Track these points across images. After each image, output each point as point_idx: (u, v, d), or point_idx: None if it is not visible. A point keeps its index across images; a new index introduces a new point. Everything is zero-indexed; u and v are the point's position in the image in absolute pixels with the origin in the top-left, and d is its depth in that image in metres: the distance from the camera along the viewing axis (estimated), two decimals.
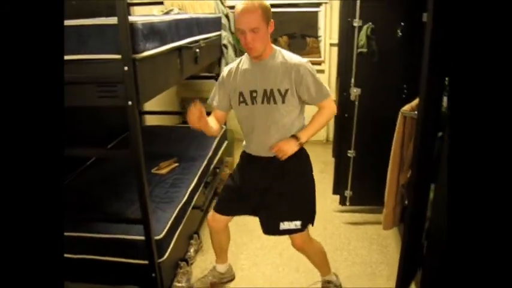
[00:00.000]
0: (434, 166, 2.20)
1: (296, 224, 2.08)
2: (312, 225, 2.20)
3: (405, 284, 2.35)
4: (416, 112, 2.13)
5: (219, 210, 2.29)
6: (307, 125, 2.07)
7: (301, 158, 2.09)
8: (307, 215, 2.15)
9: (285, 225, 2.08)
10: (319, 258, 2.36)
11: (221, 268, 2.54)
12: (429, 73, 1.76)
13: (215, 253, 2.52)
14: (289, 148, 1.99)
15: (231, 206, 2.27)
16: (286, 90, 1.94)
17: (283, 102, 1.96)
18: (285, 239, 2.29)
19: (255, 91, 1.98)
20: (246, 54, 2.04)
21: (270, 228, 2.15)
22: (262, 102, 1.97)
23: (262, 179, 2.12)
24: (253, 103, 2.00)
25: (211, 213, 2.33)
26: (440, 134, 2.14)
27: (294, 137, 2.01)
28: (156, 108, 4.07)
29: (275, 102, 1.96)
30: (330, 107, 2.06)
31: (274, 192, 2.10)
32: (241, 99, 2.02)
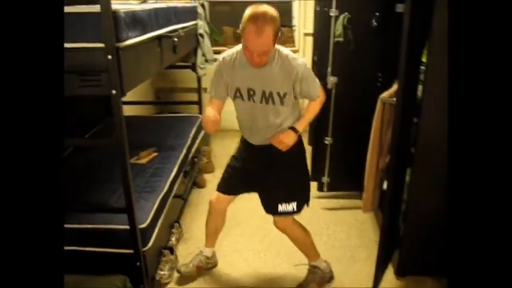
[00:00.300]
0: (410, 151, 2.29)
1: (293, 206, 2.17)
2: (307, 205, 2.27)
3: (384, 264, 2.45)
4: (394, 99, 2.20)
5: (223, 189, 2.35)
6: (303, 116, 2.15)
7: (297, 144, 2.14)
8: (303, 198, 2.23)
9: (282, 207, 2.17)
10: (302, 243, 2.40)
11: (208, 252, 2.59)
12: (407, 62, 1.83)
13: (207, 236, 2.56)
14: (290, 140, 2.06)
15: (234, 184, 2.33)
16: (285, 94, 1.98)
17: (281, 104, 2.00)
18: (266, 225, 2.33)
19: (253, 90, 1.99)
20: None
21: (269, 209, 2.24)
22: (261, 102, 2.00)
23: (261, 163, 2.19)
24: (249, 100, 2.02)
25: (215, 195, 2.38)
26: (415, 120, 2.23)
27: (293, 129, 2.08)
28: (131, 98, 4.02)
29: (274, 103, 2.00)
30: (320, 96, 2.14)
31: (273, 176, 2.17)
32: (238, 94, 2.02)
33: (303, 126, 2.11)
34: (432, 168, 2.22)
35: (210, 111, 1.96)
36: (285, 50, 2.00)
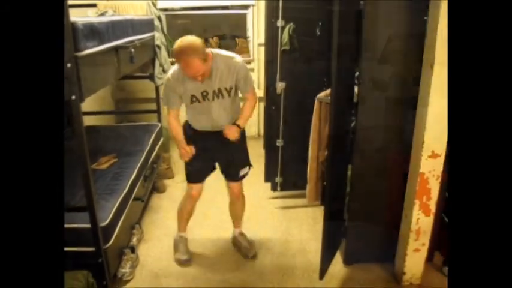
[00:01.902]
0: (350, 149, 2.52)
1: (247, 169, 2.73)
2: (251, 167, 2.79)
3: (331, 253, 2.65)
4: (329, 98, 2.45)
5: (195, 180, 2.71)
6: (242, 114, 2.58)
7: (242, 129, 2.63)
8: (249, 162, 2.76)
9: (242, 172, 2.71)
10: (243, 208, 2.92)
11: (186, 235, 2.91)
12: (338, 65, 2.06)
13: (183, 223, 2.88)
14: (237, 133, 2.50)
15: (200, 172, 2.69)
16: (231, 87, 2.44)
17: (229, 96, 2.46)
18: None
19: (206, 91, 2.40)
20: None
21: (232, 175, 2.73)
22: (213, 99, 2.43)
23: (217, 145, 2.59)
24: (204, 100, 2.38)
25: (192, 187, 2.71)
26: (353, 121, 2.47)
27: (237, 125, 2.52)
28: (92, 109, 4.10)
29: (223, 97, 2.44)
30: (253, 98, 2.60)
31: (231, 149, 2.61)
32: (194, 99, 2.38)
33: (243, 122, 2.56)
34: (369, 163, 2.46)
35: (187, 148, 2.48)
36: (221, 52, 2.44)
